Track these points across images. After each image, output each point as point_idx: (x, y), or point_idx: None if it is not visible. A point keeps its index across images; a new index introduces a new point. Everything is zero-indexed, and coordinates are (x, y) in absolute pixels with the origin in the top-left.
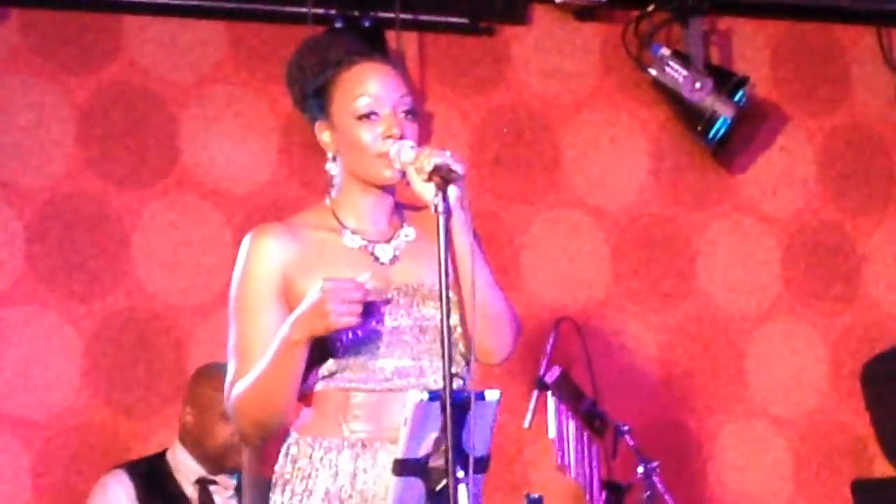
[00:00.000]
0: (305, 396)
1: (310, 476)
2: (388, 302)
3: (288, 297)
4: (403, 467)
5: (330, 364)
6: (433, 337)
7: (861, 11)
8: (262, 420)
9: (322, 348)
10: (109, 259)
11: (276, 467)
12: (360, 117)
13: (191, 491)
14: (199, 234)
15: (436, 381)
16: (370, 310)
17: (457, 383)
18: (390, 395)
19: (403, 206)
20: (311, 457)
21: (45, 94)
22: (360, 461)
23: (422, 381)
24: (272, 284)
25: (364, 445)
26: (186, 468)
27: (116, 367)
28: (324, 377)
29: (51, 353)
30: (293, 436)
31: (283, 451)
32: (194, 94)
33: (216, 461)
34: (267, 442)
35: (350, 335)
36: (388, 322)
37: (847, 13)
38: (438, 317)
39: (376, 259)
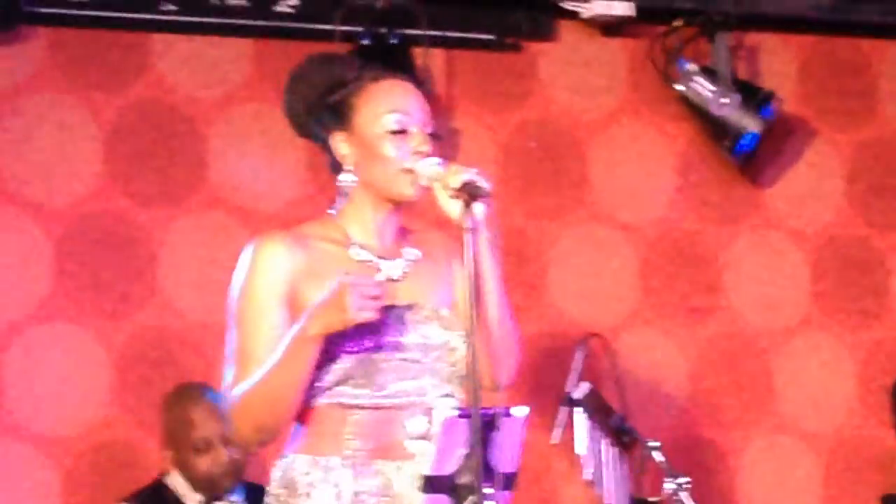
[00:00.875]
0: (302, 414)
1: (310, 496)
2: (393, 318)
3: (293, 306)
4: (431, 484)
5: (332, 377)
6: (437, 356)
7: (889, 25)
8: (266, 423)
9: (324, 361)
10: (137, 277)
11: (270, 488)
12: (391, 132)
13: None
14: (227, 251)
15: (435, 401)
16: (376, 325)
17: (453, 403)
18: (390, 412)
19: (407, 228)
20: (310, 476)
21: (73, 112)
22: (362, 480)
23: (422, 400)
24: (279, 290)
25: (364, 464)
26: (187, 493)
27: (145, 384)
28: (324, 391)
29: (80, 370)
30: (289, 456)
31: (278, 472)
32: (221, 112)
33: (208, 490)
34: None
35: (356, 347)
36: (393, 339)
37: (874, 27)
38: (443, 337)
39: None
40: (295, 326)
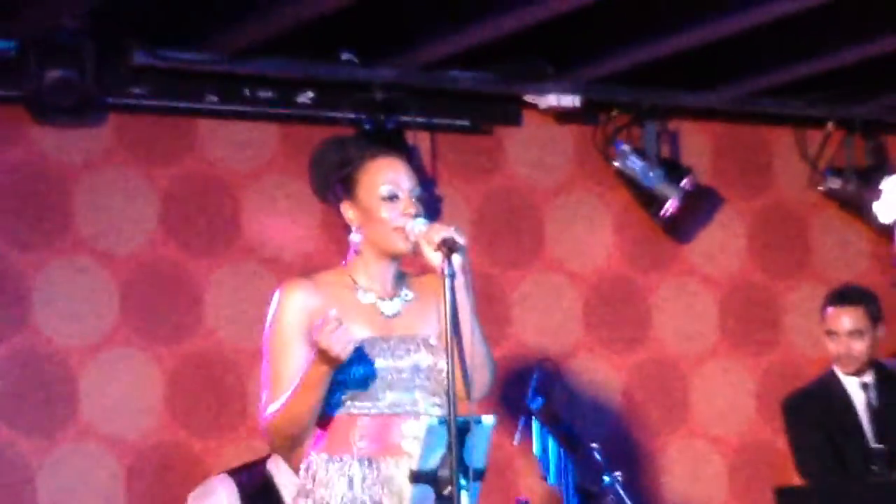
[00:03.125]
0: (322, 422)
1: (327, 486)
2: (391, 347)
3: (312, 338)
4: (417, 477)
5: (343, 395)
6: (426, 376)
7: (783, 115)
8: (293, 434)
9: (336, 384)
10: (186, 312)
11: (299, 480)
12: (384, 199)
13: (289, 501)
14: (257, 292)
15: (425, 411)
16: (376, 354)
17: (438, 412)
18: (390, 420)
19: (405, 273)
20: (328, 470)
21: (135, 181)
22: (368, 472)
23: (415, 410)
24: (300, 327)
25: (370, 460)
26: (287, 479)
27: (192, 397)
28: (338, 405)
29: (140, 385)
30: (312, 454)
31: (303, 467)
32: (253, 181)
33: None
34: (293, 454)
35: (361, 371)
36: (391, 363)
37: (771, 117)
38: (430, 361)
39: (382, 313)
40: (310, 363)
